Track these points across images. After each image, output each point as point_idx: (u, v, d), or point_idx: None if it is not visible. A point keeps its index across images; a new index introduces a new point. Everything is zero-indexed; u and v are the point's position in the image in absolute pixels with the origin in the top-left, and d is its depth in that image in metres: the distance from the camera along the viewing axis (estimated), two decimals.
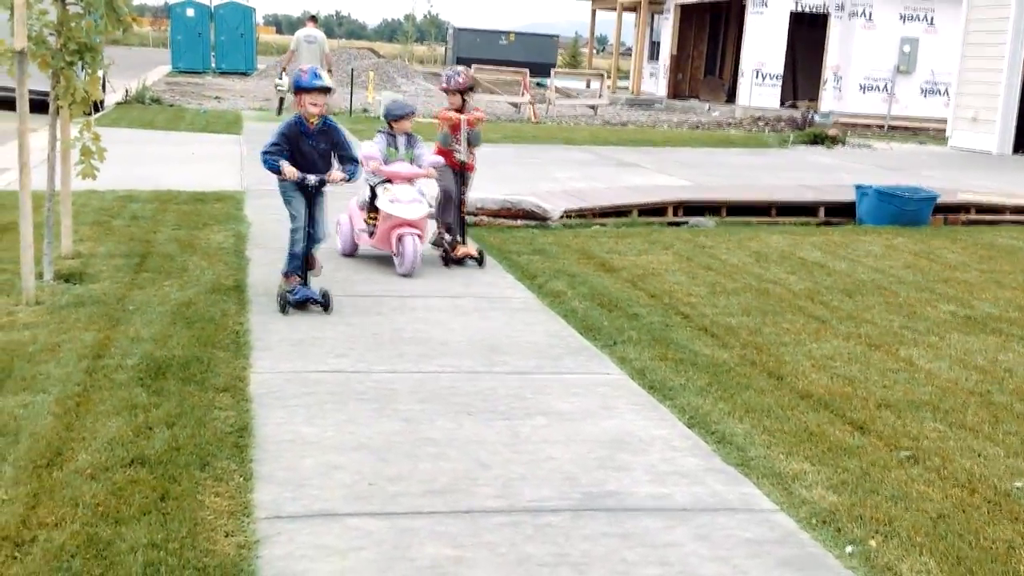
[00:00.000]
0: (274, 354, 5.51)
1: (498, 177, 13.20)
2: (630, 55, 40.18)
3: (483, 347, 5.86)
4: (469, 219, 9.81)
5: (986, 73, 20.01)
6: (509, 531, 3.63)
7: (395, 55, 52.01)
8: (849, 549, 3.63)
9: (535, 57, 47.04)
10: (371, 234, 7.60)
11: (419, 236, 7.38)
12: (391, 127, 7.66)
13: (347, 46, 51.62)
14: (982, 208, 12.03)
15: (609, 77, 34.08)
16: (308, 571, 3.30)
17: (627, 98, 33.44)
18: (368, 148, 7.52)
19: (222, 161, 13.70)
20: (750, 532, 3.73)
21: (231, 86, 30.53)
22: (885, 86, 27.21)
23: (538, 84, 32.32)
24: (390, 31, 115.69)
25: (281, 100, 21.44)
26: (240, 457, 4.12)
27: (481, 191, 10.71)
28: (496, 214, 9.97)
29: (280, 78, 21.45)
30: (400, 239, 7.37)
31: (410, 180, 7.53)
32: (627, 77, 39.42)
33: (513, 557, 3.45)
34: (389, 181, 7.46)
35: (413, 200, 7.37)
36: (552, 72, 29.42)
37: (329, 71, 21.15)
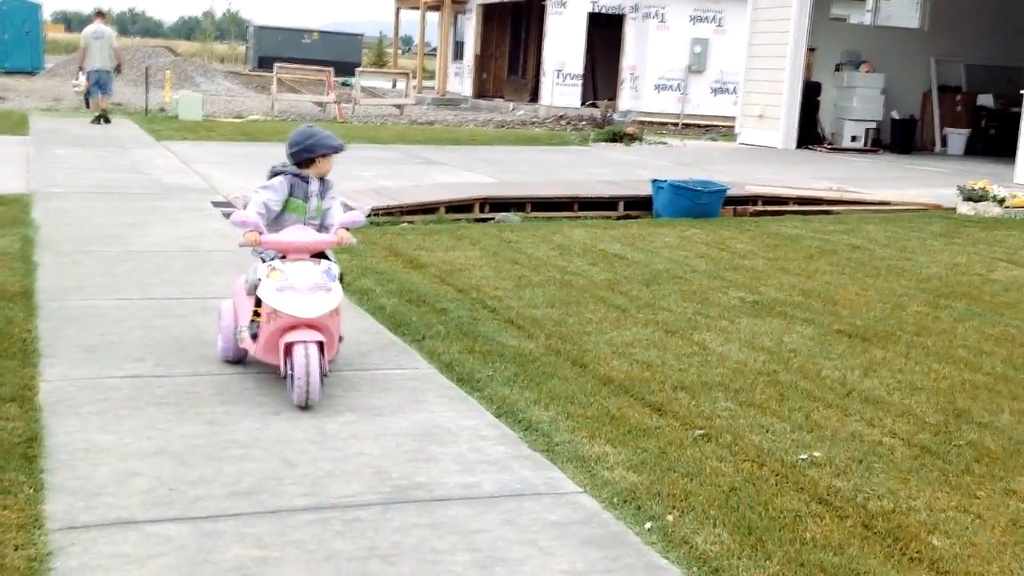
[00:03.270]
0: (65, 361, 5.26)
1: None
2: (435, 55, 40.32)
3: None
4: None
5: (770, 72, 21.11)
6: (317, 528, 3.60)
7: (194, 53, 50.45)
8: (648, 525, 3.77)
9: (339, 56, 46.58)
10: (255, 337, 5.03)
11: (320, 346, 4.79)
12: (304, 166, 5.20)
13: (142, 44, 49.73)
14: (768, 200, 12.71)
15: (415, 77, 34.10)
16: None
17: (433, 98, 33.57)
18: (252, 204, 5.08)
19: (8, 163, 12.95)
20: (556, 515, 3.83)
21: (17, 86, 28.92)
22: (678, 85, 28.32)
23: (343, 83, 32.03)
24: (188, 29, 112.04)
25: (86, 96, 20.62)
26: (29, 468, 3.92)
27: None
28: None
29: (77, 79, 20.71)
30: (289, 350, 4.78)
31: (314, 254, 5.07)
32: (433, 77, 39.55)
33: (321, 554, 3.42)
34: (281, 255, 5.03)
35: (315, 287, 4.86)
36: (357, 71, 29.20)
37: (118, 68, 20.42)
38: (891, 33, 23.01)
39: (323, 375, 4.78)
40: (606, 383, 5.36)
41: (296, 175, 5.19)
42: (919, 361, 6.00)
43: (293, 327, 4.83)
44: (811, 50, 21.23)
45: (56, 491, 3.76)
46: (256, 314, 5.06)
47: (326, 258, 5.12)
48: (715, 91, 28.50)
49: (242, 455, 4.20)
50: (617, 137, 21.18)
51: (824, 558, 3.56)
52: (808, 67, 21.32)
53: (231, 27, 64.11)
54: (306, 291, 4.85)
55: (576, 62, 29.10)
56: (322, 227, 5.23)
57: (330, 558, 3.40)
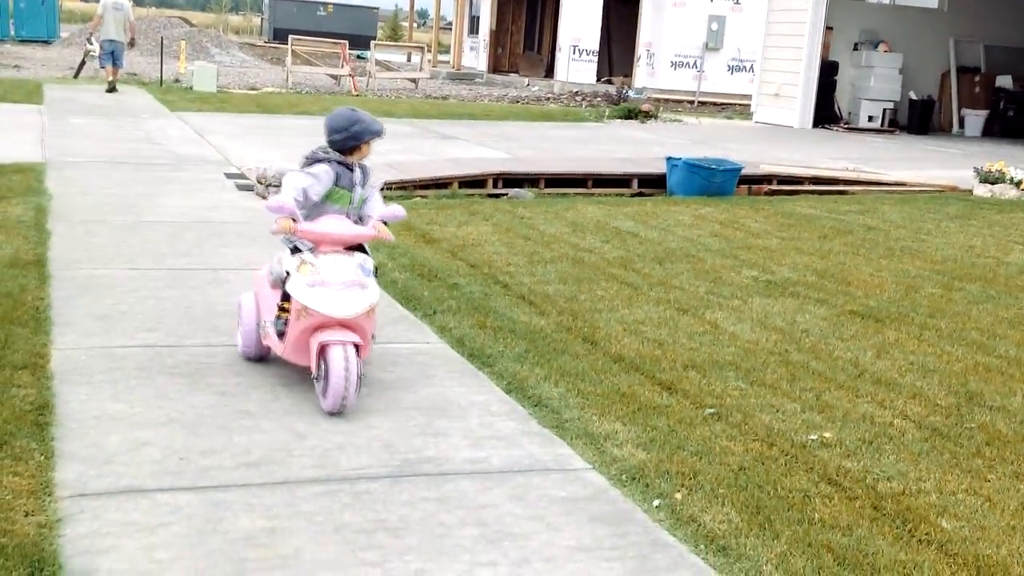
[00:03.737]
0: (77, 329, 5.28)
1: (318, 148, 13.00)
2: (450, 29, 40.16)
3: None
4: None
5: (788, 51, 20.96)
6: (326, 500, 3.61)
7: (209, 25, 50.36)
8: (656, 503, 3.77)
9: (355, 29, 46.42)
10: (281, 335, 4.61)
11: (356, 347, 4.40)
12: (347, 153, 4.70)
13: (157, 15, 49.64)
14: (783, 179, 12.63)
15: (430, 51, 33.97)
16: (113, 548, 3.19)
17: (448, 72, 33.45)
18: (288, 188, 4.55)
19: (22, 131, 12.96)
20: (564, 491, 3.83)
21: (32, 55, 28.92)
22: (695, 63, 28.15)
23: (358, 57, 31.94)
24: (203, 0, 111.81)
25: (82, 63, 20.77)
26: (41, 435, 3.94)
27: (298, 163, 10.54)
28: None
29: (90, 43, 20.86)
30: (323, 351, 4.40)
31: (350, 247, 4.64)
32: (448, 51, 39.40)
33: (330, 525, 3.43)
34: (313, 246, 4.61)
35: (350, 283, 4.45)
36: (372, 45, 29.10)
37: (132, 42, 20.44)
38: (910, 13, 22.81)
39: (359, 377, 4.37)
40: (617, 360, 5.35)
41: (341, 163, 4.66)
42: (932, 343, 5.98)
43: (325, 326, 4.40)
44: (828, 29, 21.07)
45: (67, 459, 3.77)
46: (283, 309, 4.61)
47: (361, 250, 4.67)
48: (731, 69, 28.32)
49: (252, 426, 4.21)
50: (632, 114, 21.08)
51: (832, 538, 3.56)
52: (825, 46, 21.16)
53: None
54: (340, 287, 4.42)
55: (592, 38, 28.94)
56: (359, 218, 4.80)
57: (338, 530, 3.41)
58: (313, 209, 4.65)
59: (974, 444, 4.49)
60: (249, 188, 10.06)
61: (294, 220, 4.49)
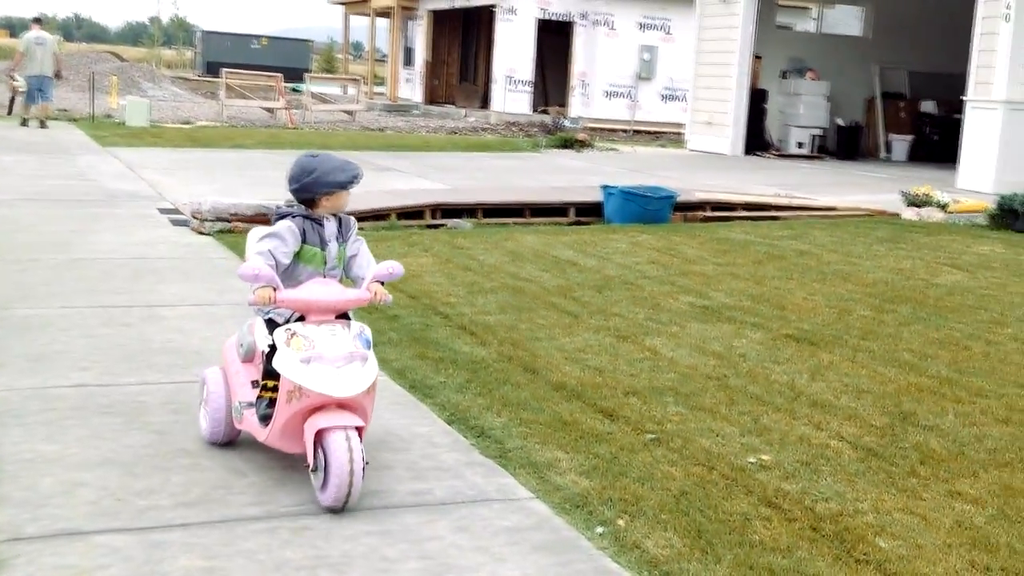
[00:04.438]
0: (10, 370, 5.17)
1: (253, 182, 12.94)
2: (386, 61, 40.22)
3: None
4: (222, 225, 9.59)
5: (718, 79, 21.33)
6: (266, 537, 3.57)
7: (141, 59, 49.86)
8: (600, 530, 3.79)
9: (289, 62, 46.26)
10: (265, 419, 4.05)
11: (359, 430, 3.85)
12: (310, 206, 4.13)
13: (88, 50, 49.06)
14: (717, 205, 12.82)
15: (366, 83, 33.98)
16: None
17: (384, 104, 33.49)
18: (254, 255, 4.00)
19: None
20: (508, 521, 3.83)
21: None
22: (628, 92, 28.52)
23: (293, 89, 31.83)
24: (134, 34, 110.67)
25: (11, 100, 20.58)
26: None
27: (235, 196, 10.47)
28: (252, 220, 9.73)
29: (14, 79, 20.73)
30: (321, 438, 3.81)
31: (342, 313, 4.08)
32: (384, 83, 39.44)
33: (270, 563, 3.40)
34: (299, 317, 4.02)
35: (349, 356, 3.89)
36: (307, 77, 29.04)
37: (59, 74, 20.23)
38: (836, 41, 23.38)
39: (364, 464, 3.82)
40: (558, 389, 5.38)
41: (306, 216, 4.10)
42: (865, 365, 6.09)
43: (322, 407, 3.85)
44: (757, 58, 21.49)
45: (1, 502, 3.69)
46: (264, 388, 4.10)
47: (346, 316, 4.11)
48: (664, 98, 28.73)
49: (190, 465, 4.16)
50: (568, 143, 21.28)
51: (773, 560, 3.60)
52: (755, 74, 21.58)
53: (178, 32, 63.46)
54: (339, 363, 3.84)
55: (526, 69, 29.19)
56: (345, 279, 4.27)
57: (279, 567, 3.37)
58: (286, 275, 4.05)
59: (908, 463, 4.58)
60: (184, 223, 9.96)
61: (275, 289, 3.91)
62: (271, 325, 4.10)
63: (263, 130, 22.45)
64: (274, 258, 4.01)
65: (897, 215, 12.68)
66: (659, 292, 7.84)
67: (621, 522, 3.85)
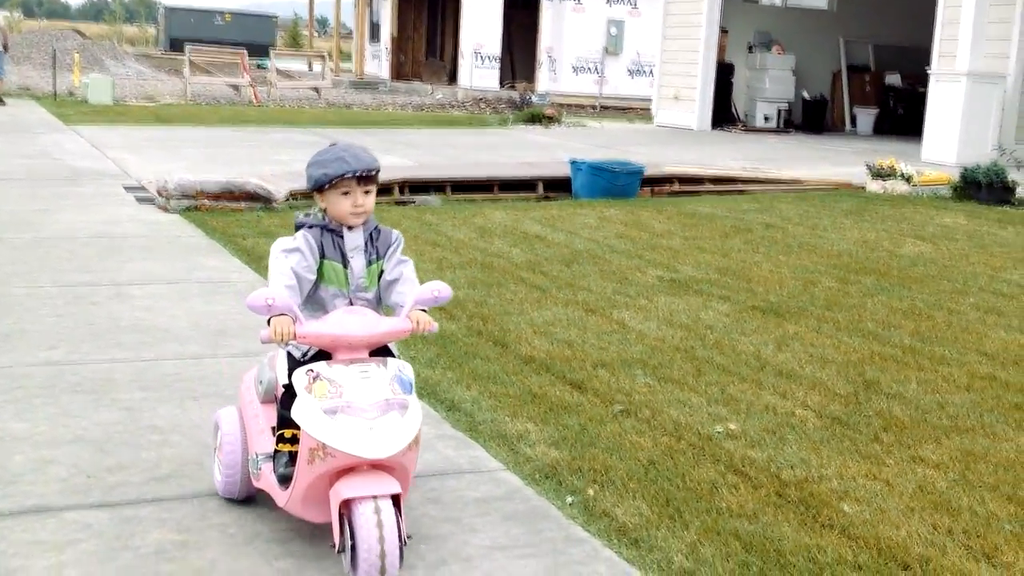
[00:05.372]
0: None
1: (219, 159, 12.86)
2: (352, 37, 39.93)
3: (209, 332, 5.72)
4: (188, 203, 9.53)
5: (684, 54, 21.36)
6: (239, 511, 3.59)
7: (103, 36, 49.23)
8: (570, 499, 3.84)
9: (253, 38, 45.82)
10: (285, 480, 3.30)
11: (395, 500, 3.10)
12: (326, 217, 3.39)
13: (49, 27, 48.38)
14: (684, 180, 12.88)
15: (332, 59, 33.73)
16: (21, 568, 3.13)
17: (351, 80, 33.29)
18: (275, 274, 3.30)
19: None
20: (478, 492, 3.87)
21: None
22: (595, 67, 28.49)
23: (258, 66, 31.56)
24: (96, 11, 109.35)
25: None
26: None
27: (201, 173, 10.41)
28: (218, 197, 9.70)
29: None
30: (350, 507, 3.06)
31: (379, 349, 3.32)
32: (350, 59, 39.16)
33: (243, 536, 3.41)
34: (325, 355, 3.25)
35: (385, 405, 3.12)
36: (272, 53, 28.80)
37: (6, 46, 19.97)
38: (801, 14, 23.44)
39: (403, 544, 3.06)
40: (527, 362, 5.41)
41: (324, 227, 3.37)
42: (830, 335, 6.17)
43: (351, 470, 3.10)
44: (724, 31, 21.53)
45: None
46: (282, 438, 3.37)
47: (388, 352, 3.36)
48: (632, 73, 28.74)
49: (161, 441, 4.16)
50: (536, 119, 21.26)
51: (739, 526, 3.66)
52: (721, 48, 21.62)
53: (140, 9, 62.72)
54: (373, 413, 3.07)
55: (494, 44, 29.09)
56: (381, 303, 3.49)
57: (251, 540, 3.39)
58: (309, 299, 3.37)
59: (872, 430, 4.65)
60: (150, 201, 9.89)
61: (295, 320, 3.17)
62: (292, 361, 3.34)
63: (228, 107, 22.27)
64: (297, 277, 3.28)
65: (862, 188, 12.80)
66: (627, 266, 7.89)
67: (591, 491, 3.89)
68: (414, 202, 10.93)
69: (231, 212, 9.49)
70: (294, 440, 3.25)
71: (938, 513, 3.83)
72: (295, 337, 3.15)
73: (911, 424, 4.74)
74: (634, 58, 28.59)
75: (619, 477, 4.02)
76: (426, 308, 3.34)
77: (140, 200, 9.96)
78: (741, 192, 12.59)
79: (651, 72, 25.57)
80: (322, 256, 3.35)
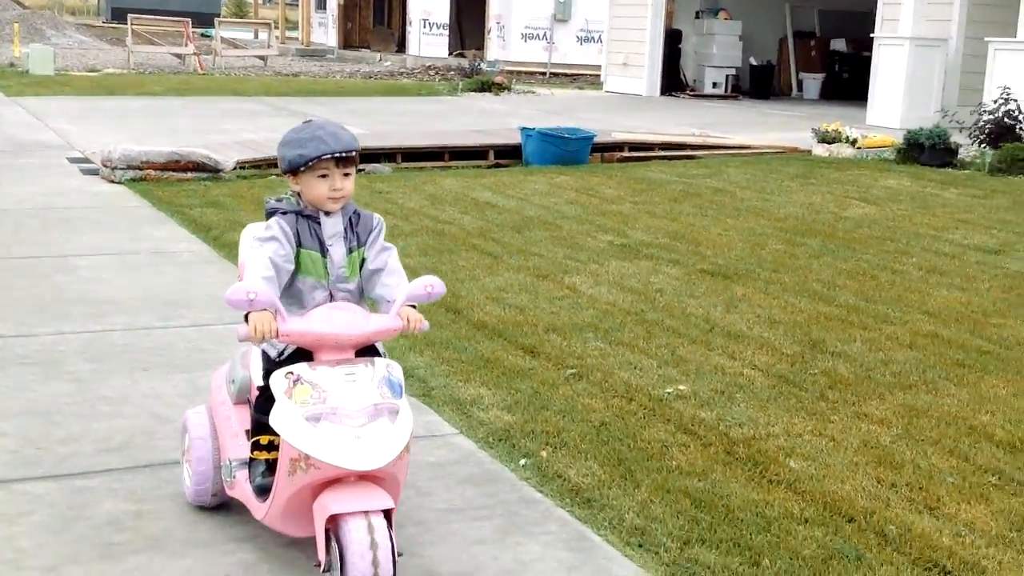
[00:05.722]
0: None
1: (165, 129, 12.68)
2: (297, 5, 39.42)
3: (158, 303, 5.68)
4: (134, 173, 9.40)
5: (633, 20, 21.35)
6: None
7: (43, 6, 48.13)
8: (523, 462, 3.88)
9: (197, 7, 44.94)
10: (262, 491, 3.05)
11: (387, 515, 2.86)
12: (301, 201, 3.10)
13: None
14: (634, 146, 12.93)
15: (277, 27, 33.31)
16: None
17: (297, 49, 32.91)
18: (251, 267, 2.99)
19: None
20: (433, 456, 3.90)
21: None
22: (545, 35, 28.38)
23: (203, 35, 31.08)
24: None
25: None
26: None
27: (147, 143, 10.27)
28: (164, 167, 9.58)
29: None
30: (337, 523, 2.81)
31: (365, 348, 3.05)
32: (296, 28, 38.68)
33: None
34: (303, 354, 3.00)
35: (374, 410, 2.87)
36: (217, 22, 28.36)
37: None
38: None
39: (395, 560, 2.79)
40: (480, 328, 5.44)
41: (299, 212, 3.06)
42: (777, 296, 6.26)
43: (336, 481, 2.84)
44: None
45: None
46: (258, 445, 3.08)
47: (374, 351, 3.09)
48: (581, 40, 28.65)
49: (111, 412, 4.14)
50: (486, 87, 21.17)
51: (689, 484, 3.73)
52: (669, 15, 21.63)
53: None
54: (360, 420, 2.81)
55: (442, 11, 28.88)
56: (363, 295, 3.18)
57: (207, 508, 3.39)
58: (284, 292, 3.04)
59: (818, 389, 4.75)
60: (95, 172, 9.75)
61: (276, 313, 2.89)
62: (268, 360, 3.08)
63: (173, 76, 21.93)
64: (275, 268, 2.97)
65: (809, 152, 12.93)
66: (578, 231, 7.93)
67: (544, 454, 3.94)
68: (364, 170, 10.86)
69: (178, 182, 9.38)
70: (271, 447, 3.01)
71: (882, 467, 3.93)
72: (277, 335, 2.87)
73: (856, 382, 4.84)
74: (583, 25, 28.49)
75: (571, 439, 4.07)
76: (415, 304, 3.06)
77: (85, 172, 9.81)
78: (691, 158, 12.66)
79: (600, 39, 25.53)
80: (298, 245, 3.03)
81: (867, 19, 17.46)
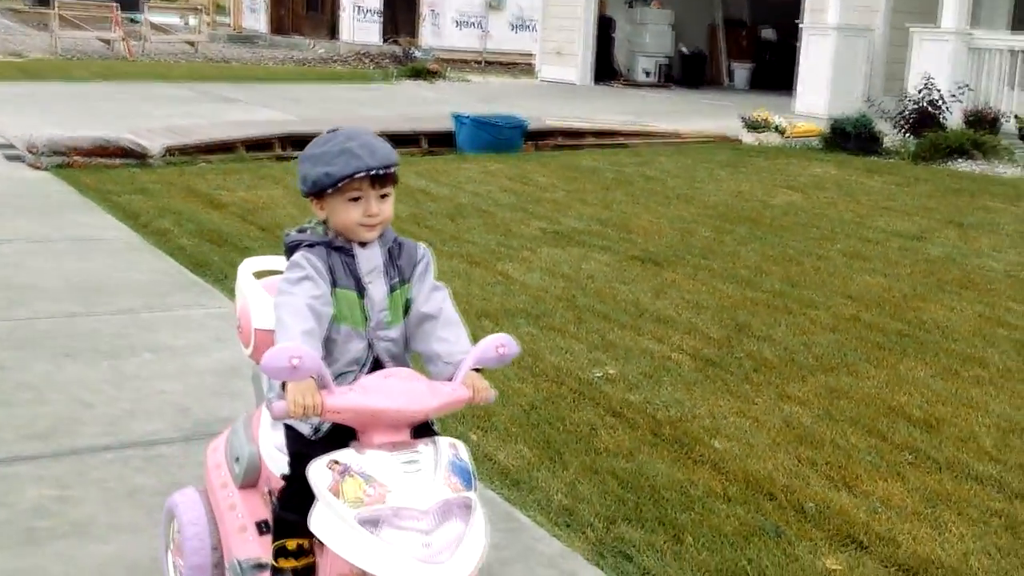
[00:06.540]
0: None
1: (91, 115, 12.45)
2: None
3: (83, 289, 5.60)
4: (59, 160, 9.23)
5: (566, 8, 21.42)
6: (118, 466, 3.57)
7: None
8: None
9: None
10: None
11: None
12: (329, 230, 2.42)
13: None
14: (567, 133, 12.99)
15: (207, 12, 32.83)
16: None
17: (228, 34, 32.46)
18: (287, 316, 2.25)
19: None
20: None
21: None
22: (479, 22, 28.33)
23: (131, 20, 30.49)
24: None
25: None
26: None
27: (72, 129, 10.09)
28: (90, 153, 9.43)
29: None
30: None
31: (422, 423, 2.33)
32: (226, 12, 38.14)
33: (123, 490, 3.40)
34: (344, 431, 2.27)
35: (443, 507, 2.16)
36: (144, 6, 27.86)
37: None
38: None
39: None
40: None
41: (328, 244, 2.41)
42: (705, 282, 6.36)
43: None
44: None
45: None
46: (284, 552, 2.40)
47: (429, 427, 2.40)
48: (515, 27, 28.63)
49: (35, 398, 4.09)
50: (420, 74, 21.09)
51: (616, 464, 3.79)
52: (603, 3, 21.74)
53: None
54: (429, 523, 2.13)
55: None
56: (408, 348, 2.49)
57: (132, 494, 3.38)
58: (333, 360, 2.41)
59: (743, 371, 4.85)
60: (19, 158, 9.55)
61: (323, 387, 2.21)
62: (298, 440, 2.40)
63: (100, 62, 21.51)
64: (315, 315, 2.30)
65: (738, 140, 13.11)
66: (511, 219, 7.97)
67: (474, 437, 3.97)
68: (296, 158, 10.78)
69: (105, 168, 9.23)
70: (301, 553, 2.39)
71: (803, 447, 4.03)
72: (322, 413, 2.20)
73: (779, 364, 4.95)
74: (517, 12, 28.49)
75: (501, 422, 4.11)
76: (480, 368, 2.38)
77: (9, 158, 9.60)
78: (623, 145, 12.77)
79: (534, 27, 25.57)
80: (333, 284, 2.38)
81: (796, 7, 17.70)
